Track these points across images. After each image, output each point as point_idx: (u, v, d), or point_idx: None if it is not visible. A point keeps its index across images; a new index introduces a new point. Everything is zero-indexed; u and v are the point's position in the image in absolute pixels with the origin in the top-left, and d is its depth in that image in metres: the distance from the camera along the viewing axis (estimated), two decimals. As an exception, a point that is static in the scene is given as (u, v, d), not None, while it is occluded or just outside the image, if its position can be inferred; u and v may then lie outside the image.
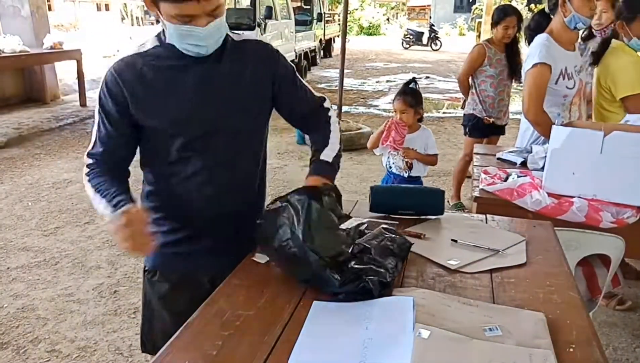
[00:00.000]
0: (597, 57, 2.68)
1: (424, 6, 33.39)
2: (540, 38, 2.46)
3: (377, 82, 12.03)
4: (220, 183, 1.40)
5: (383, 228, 1.32)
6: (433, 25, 22.24)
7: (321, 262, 1.15)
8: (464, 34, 27.76)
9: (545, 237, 1.53)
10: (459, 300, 1.15)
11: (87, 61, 8.84)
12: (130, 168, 1.43)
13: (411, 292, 1.16)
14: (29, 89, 8.23)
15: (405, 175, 2.92)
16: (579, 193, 1.98)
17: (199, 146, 1.36)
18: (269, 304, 1.15)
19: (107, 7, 33.46)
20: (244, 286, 1.23)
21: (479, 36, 14.34)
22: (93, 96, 9.02)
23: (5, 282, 3.05)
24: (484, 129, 3.98)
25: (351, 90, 10.59)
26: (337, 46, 15.68)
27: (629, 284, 2.95)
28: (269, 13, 8.62)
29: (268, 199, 1.49)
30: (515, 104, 9.10)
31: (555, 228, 1.61)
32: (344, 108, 7.15)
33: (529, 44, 2.59)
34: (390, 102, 6.84)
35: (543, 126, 2.36)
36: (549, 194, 1.99)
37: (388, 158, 2.99)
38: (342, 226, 1.29)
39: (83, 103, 8.14)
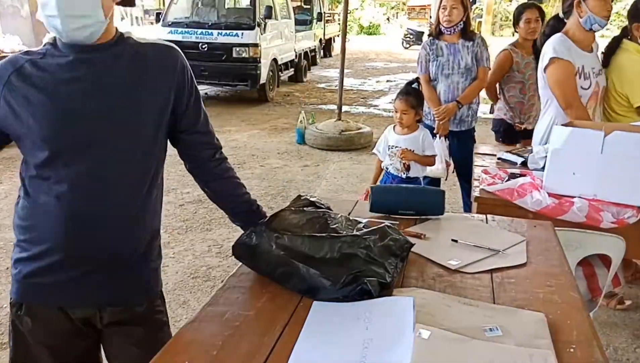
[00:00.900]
0: (606, 58, 2.61)
1: (424, 6, 33.30)
2: (555, 36, 2.42)
3: (377, 82, 12.02)
4: (90, 204, 1.21)
5: (386, 226, 1.32)
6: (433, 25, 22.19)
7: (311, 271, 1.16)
8: (464, 34, 27.71)
9: (546, 237, 1.52)
10: (459, 300, 1.15)
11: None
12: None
13: (411, 292, 1.16)
14: (29, 88, 8.24)
15: (403, 176, 2.91)
16: (579, 193, 1.98)
17: (68, 159, 1.18)
18: (269, 304, 1.15)
19: (107, 7, 33.46)
20: (244, 287, 1.23)
21: (478, 36, 14.25)
22: (93, 95, 9.04)
23: (5, 282, 3.04)
24: (517, 134, 3.71)
25: (351, 90, 10.59)
26: (337, 46, 15.66)
27: (629, 284, 2.94)
28: (269, 13, 8.62)
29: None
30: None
31: (556, 228, 1.60)
32: (344, 108, 7.14)
33: None
34: (390, 102, 6.84)
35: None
36: (550, 194, 1.99)
37: (386, 158, 2.99)
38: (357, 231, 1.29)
39: (83, 103, 8.14)
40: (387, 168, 2.99)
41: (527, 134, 3.83)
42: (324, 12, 15.73)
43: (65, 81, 1.16)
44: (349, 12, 7.96)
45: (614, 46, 2.62)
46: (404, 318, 1.05)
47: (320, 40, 15.17)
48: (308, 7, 13.70)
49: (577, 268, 1.90)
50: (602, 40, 2.83)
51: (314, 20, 13.69)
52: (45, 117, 1.16)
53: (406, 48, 21.10)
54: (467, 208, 3.39)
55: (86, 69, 1.17)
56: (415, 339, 0.97)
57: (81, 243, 1.22)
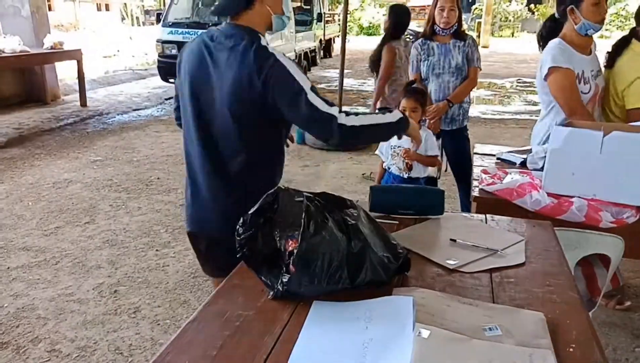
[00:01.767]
0: (611, 59, 2.59)
1: (424, 6, 33.33)
2: (553, 42, 2.41)
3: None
4: None
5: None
6: (433, 25, 22.14)
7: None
8: (464, 34, 27.69)
9: (545, 237, 1.53)
10: (459, 299, 1.15)
11: (87, 61, 8.84)
12: None
13: (411, 292, 1.16)
14: (29, 89, 8.23)
15: (405, 176, 2.91)
16: (578, 193, 1.98)
17: None
18: (269, 304, 1.16)
19: (107, 7, 33.47)
20: (244, 286, 1.23)
21: (478, 36, 14.31)
22: (93, 96, 9.03)
23: (5, 282, 3.05)
24: None
25: (351, 90, 10.59)
26: (337, 46, 15.66)
27: (628, 284, 2.95)
28: (269, 13, 8.62)
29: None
30: (515, 105, 9.05)
31: (555, 228, 1.61)
32: (344, 108, 7.13)
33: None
34: (390, 102, 6.82)
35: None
36: (549, 194, 1.99)
37: (388, 158, 2.99)
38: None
39: (83, 103, 8.13)
40: (389, 168, 3.00)
41: None
42: (324, 13, 15.72)
43: None
44: (348, 12, 7.95)
45: (621, 46, 2.58)
46: (403, 318, 1.05)
47: (320, 40, 15.17)
48: (308, 7, 13.69)
49: (576, 268, 1.90)
50: (601, 41, 2.79)
51: (314, 21, 13.69)
52: None
53: (406, 48, 21.06)
54: (465, 209, 3.39)
55: None
56: (415, 339, 0.98)
57: None
